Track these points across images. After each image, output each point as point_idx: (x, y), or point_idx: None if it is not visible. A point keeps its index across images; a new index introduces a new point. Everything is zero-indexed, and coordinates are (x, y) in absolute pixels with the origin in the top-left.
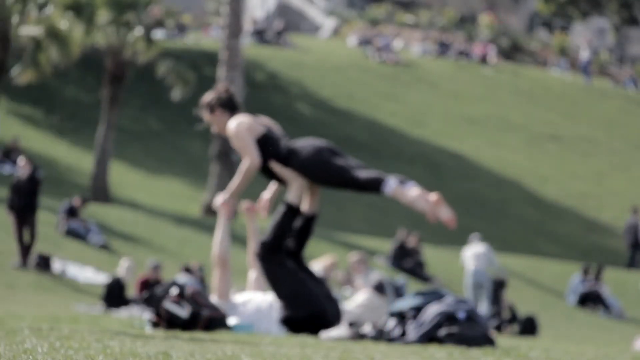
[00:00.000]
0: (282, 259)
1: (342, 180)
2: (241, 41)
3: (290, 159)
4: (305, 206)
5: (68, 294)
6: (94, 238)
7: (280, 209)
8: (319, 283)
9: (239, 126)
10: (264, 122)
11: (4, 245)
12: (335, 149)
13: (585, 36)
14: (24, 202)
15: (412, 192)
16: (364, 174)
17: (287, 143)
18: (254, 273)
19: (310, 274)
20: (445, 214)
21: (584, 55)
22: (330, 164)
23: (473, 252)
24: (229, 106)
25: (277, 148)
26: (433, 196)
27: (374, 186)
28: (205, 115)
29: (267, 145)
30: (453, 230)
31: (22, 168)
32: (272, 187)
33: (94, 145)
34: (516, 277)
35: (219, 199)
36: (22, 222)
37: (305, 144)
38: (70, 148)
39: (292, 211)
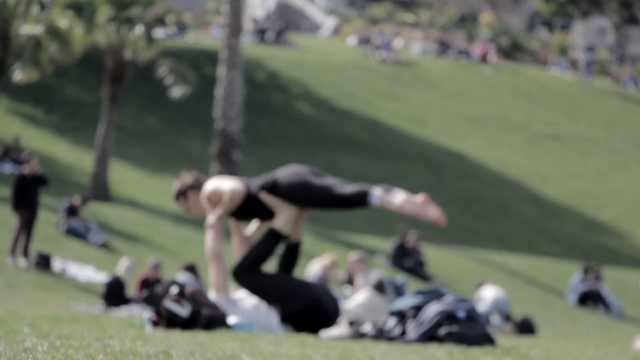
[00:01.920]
0: (260, 270)
1: (329, 197)
2: (241, 40)
3: (275, 187)
4: (290, 234)
5: (68, 293)
6: (94, 237)
7: (264, 234)
8: (310, 282)
9: (213, 183)
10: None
11: (4, 244)
12: (316, 170)
13: (587, 35)
14: (32, 200)
15: (399, 197)
16: (348, 189)
17: (267, 176)
18: None
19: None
20: (434, 213)
21: (586, 54)
22: (314, 184)
23: (494, 291)
24: (198, 186)
25: (259, 181)
26: (419, 197)
27: (361, 199)
28: (182, 204)
29: (246, 184)
30: (449, 228)
31: (32, 166)
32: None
33: (94, 144)
34: (516, 277)
35: (210, 219)
36: (28, 220)
37: (287, 171)
38: (70, 147)
39: (276, 237)
